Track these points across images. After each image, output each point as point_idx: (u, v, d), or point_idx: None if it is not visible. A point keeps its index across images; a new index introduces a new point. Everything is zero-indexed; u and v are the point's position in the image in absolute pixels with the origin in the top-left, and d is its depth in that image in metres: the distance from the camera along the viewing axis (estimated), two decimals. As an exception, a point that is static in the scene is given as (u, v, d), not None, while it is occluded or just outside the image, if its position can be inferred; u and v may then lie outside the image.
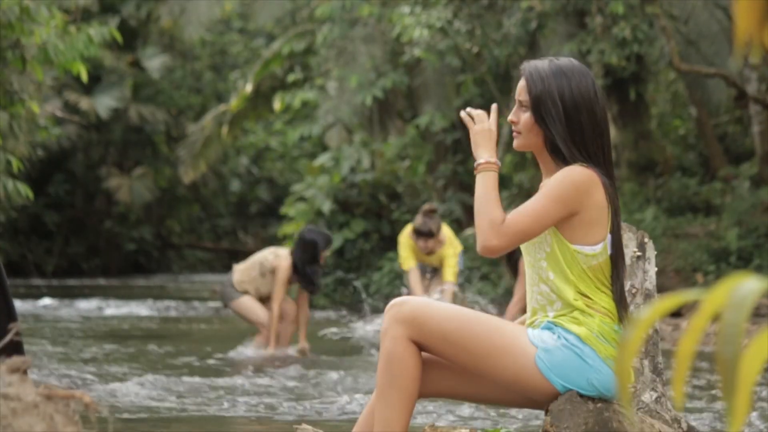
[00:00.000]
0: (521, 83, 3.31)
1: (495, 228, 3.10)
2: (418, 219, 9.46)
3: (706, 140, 15.58)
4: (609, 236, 3.21)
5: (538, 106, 3.24)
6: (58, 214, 26.54)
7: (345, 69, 15.71)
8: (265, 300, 9.20)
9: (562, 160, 3.23)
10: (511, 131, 3.33)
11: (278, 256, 9.13)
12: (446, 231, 9.69)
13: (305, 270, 9.06)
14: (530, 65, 3.30)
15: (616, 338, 3.19)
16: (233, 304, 9.16)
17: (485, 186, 3.21)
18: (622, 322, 3.20)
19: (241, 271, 9.17)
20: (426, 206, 9.61)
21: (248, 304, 9.11)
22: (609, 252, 3.21)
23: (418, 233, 9.38)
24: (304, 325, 9.33)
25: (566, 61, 3.29)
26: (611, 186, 3.21)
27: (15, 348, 3.04)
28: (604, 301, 3.20)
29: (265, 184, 31.45)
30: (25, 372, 2.20)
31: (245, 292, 9.12)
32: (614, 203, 3.22)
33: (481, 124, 3.31)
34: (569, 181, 3.14)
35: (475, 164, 3.26)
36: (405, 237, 9.69)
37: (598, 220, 3.18)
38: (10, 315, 3.67)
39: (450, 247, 9.64)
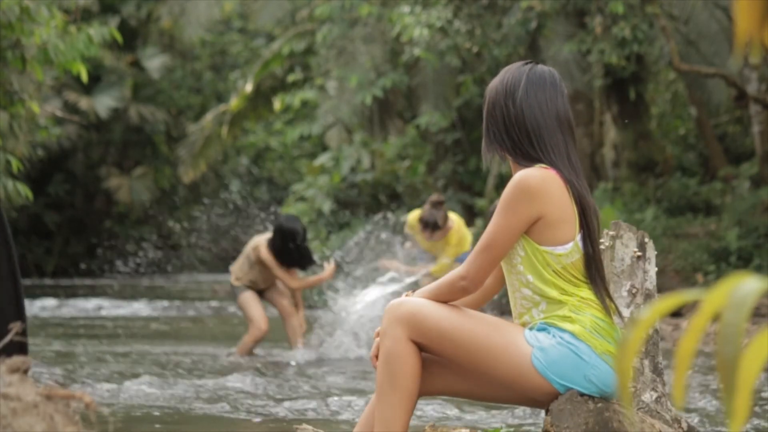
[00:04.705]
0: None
1: (459, 284, 3.21)
2: (426, 209, 9.52)
3: (706, 140, 15.58)
4: (579, 234, 3.22)
5: (486, 122, 3.36)
6: (58, 214, 26.53)
7: (345, 69, 15.72)
8: (264, 291, 9.24)
9: (524, 165, 3.27)
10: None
11: (256, 248, 9.09)
12: (456, 219, 9.71)
13: (290, 252, 8.96)
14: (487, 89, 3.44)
15: (610, 332, 3.20)
16: (238, 300, 9.23)
17: (428, 291, 3.29)
18: (610, 315, 3.21)
19: (235, 268, 9.24)
20: (434, 197, 9.62)
21: (247, 300, 9.16)
22: (582, 250, 3.22)
23: (425, 224, 9.47)
24: (299, 305, 9.34)
25: (514, 70, 3.37)
26: (579, 185, 3.23)
27: (20, 348, 3.04)
28: (586, 293, 3.22)
29: (265, 184, 31.43)
30: (25, 372, 2.20)
31: (248, 287, 9.18)
32: (583, 201, 3.23)
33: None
34: (518, 188, 3.18)
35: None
36: (413, 219, 9.79)
37: (563, 220, 3.20)
38: (20, 316, 3.67)
39: (455, 234, 9.63)
